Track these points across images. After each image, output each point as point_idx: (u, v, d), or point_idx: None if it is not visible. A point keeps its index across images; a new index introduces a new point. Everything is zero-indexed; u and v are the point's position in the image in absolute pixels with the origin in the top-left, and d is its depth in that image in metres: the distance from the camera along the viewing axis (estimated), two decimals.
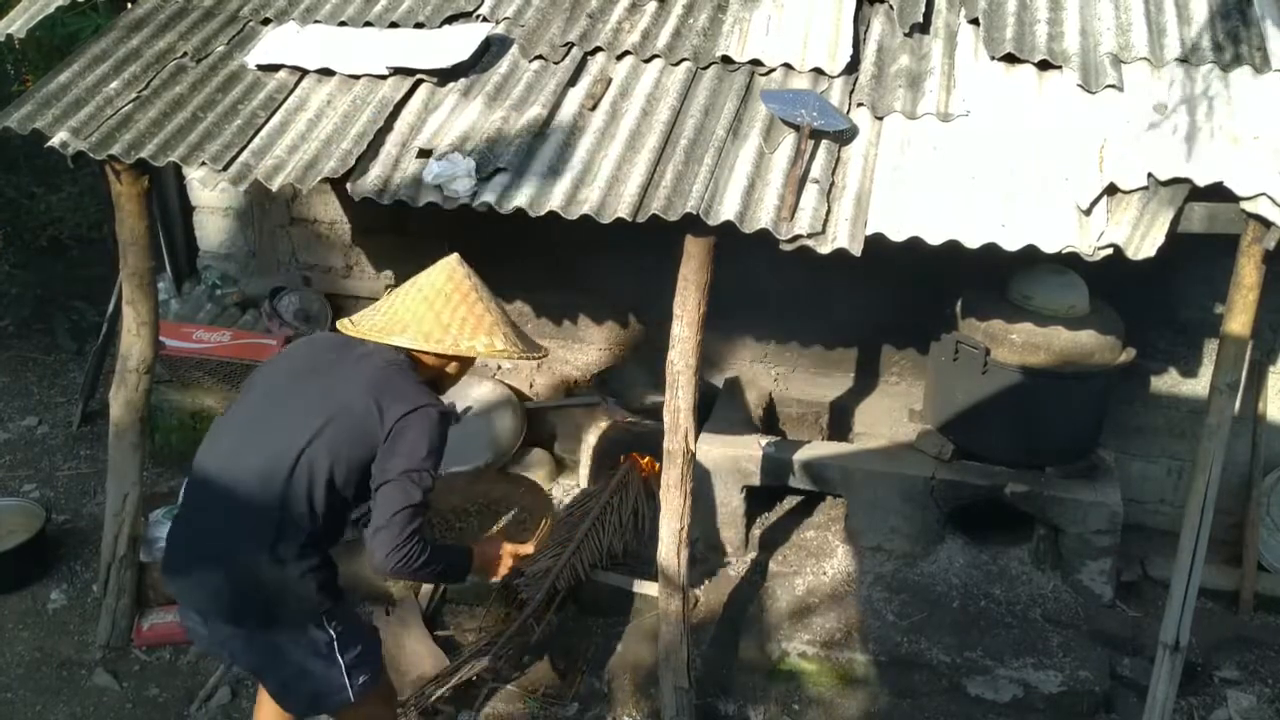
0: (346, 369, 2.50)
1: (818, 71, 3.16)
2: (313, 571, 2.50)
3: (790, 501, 4.25)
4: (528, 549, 2.75)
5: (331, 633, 2.58)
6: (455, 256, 2.59)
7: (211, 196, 5.04)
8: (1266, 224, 2.66)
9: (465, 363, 2.62)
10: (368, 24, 3.47)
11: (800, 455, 3.95)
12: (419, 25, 3.44)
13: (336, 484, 2.45)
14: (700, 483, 3.78)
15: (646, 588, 3.81)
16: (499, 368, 4.83)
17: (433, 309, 2.50)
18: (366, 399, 2.43)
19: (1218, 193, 2.71)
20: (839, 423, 4.42)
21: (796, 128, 2.89)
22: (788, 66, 3.19)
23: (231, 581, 2.48)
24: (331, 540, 2.58)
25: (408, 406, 2.42)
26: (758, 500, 4.11)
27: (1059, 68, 3.06)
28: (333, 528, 2.55)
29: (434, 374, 2.59)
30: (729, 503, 4.00)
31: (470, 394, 4.62)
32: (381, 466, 2.42)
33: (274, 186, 2.99)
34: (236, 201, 5.01)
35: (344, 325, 2.56)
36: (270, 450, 2.45)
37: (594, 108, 3.10)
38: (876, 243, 2.70)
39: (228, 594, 2.49)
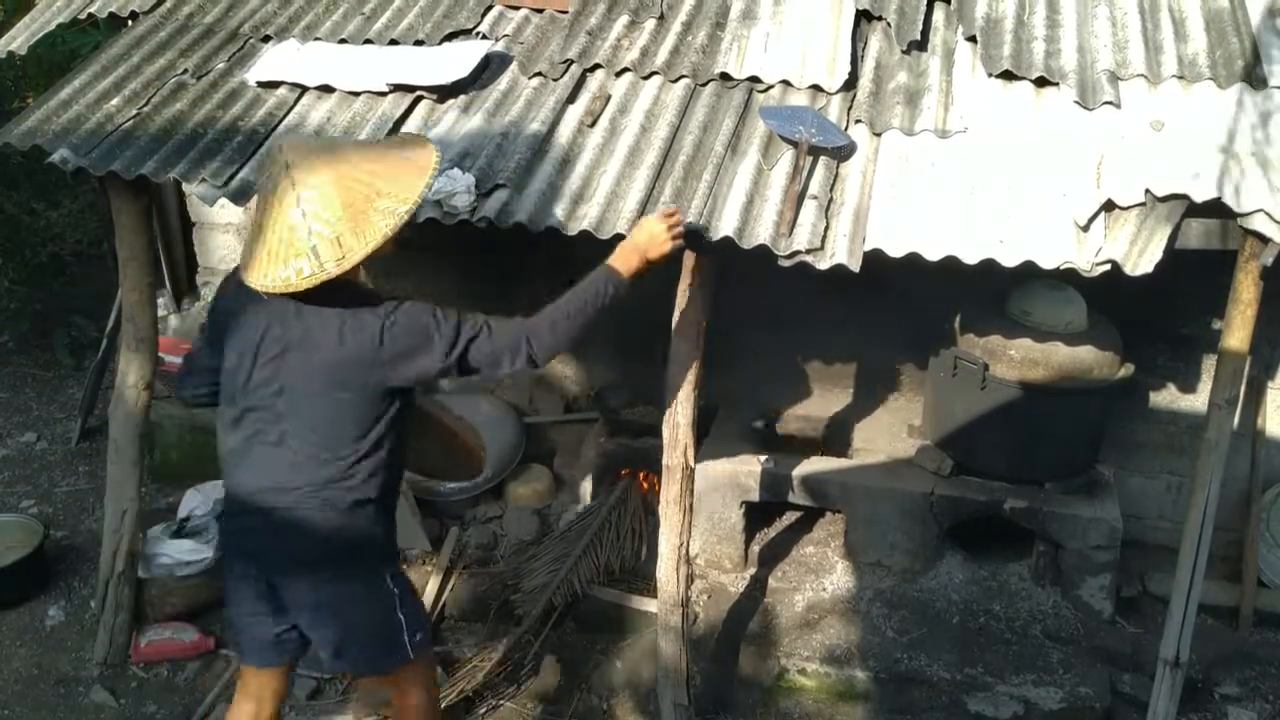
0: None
1: (816, 88, 3.17)
2: (379, 521, 2.58)
3: (790, 517, 4.24)
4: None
5: (394, 589, 2.64)
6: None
7: (212, 213, 5.05)
8: (1264, 240, 2.67)
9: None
10: (368, 41, 3.48)
11: (799, 471, 3.94)
12: (419, 42, 3.45)
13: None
14: (699, 498, 3.78)
15: (646, 604, 3.80)
16: (498, 383, 4.82)
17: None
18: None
19: (1215, 209, 2.72)
20: (838, 438, 4.41)
21: (795, 144, 2.90)
22: (786, 83, 3.20)
23: (303, 529, 2.49)
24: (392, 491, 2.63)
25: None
26: (757, 516, 4.10)
27: (1056, 85, 3.07)
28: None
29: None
30: (728, 518, 4.00)
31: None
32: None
33: None
34: (236, 217, 5.02)
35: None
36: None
37: (593, 124, 3.11)
38: (875, 258, 2.71)
39: (302, 542, 2.50)
